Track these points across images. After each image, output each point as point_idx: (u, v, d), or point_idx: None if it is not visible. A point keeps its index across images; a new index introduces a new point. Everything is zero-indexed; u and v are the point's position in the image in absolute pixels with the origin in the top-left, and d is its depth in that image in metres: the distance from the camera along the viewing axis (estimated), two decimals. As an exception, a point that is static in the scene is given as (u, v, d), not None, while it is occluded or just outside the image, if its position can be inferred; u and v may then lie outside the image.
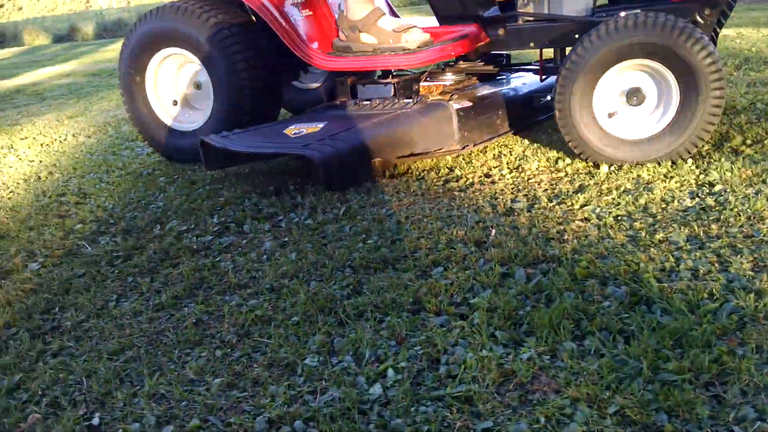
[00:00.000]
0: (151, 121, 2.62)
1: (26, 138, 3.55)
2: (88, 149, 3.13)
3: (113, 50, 8.00)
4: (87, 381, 1.23)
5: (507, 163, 2.18)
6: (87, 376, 1.24)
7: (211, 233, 1.89)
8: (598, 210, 1.70)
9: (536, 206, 1.79)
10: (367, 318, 1.34)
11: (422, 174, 2.19)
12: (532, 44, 2.27)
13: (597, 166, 2.03)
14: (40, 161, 3.00)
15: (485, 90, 2.44)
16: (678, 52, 1.87)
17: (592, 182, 1.92)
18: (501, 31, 2.30)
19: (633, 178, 1.90)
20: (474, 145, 2.25)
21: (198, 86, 2.57)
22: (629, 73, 1.99)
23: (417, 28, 2.35)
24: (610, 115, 2.01)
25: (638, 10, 2.00)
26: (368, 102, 2.38)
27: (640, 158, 1.98)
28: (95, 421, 1.11)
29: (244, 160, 2.33)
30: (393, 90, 2.37)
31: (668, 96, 1.95)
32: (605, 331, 1.18)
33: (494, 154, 2.30)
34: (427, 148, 2.18)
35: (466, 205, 1.87)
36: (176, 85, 2.61)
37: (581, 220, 1.66)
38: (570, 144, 2.06)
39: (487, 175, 2.11)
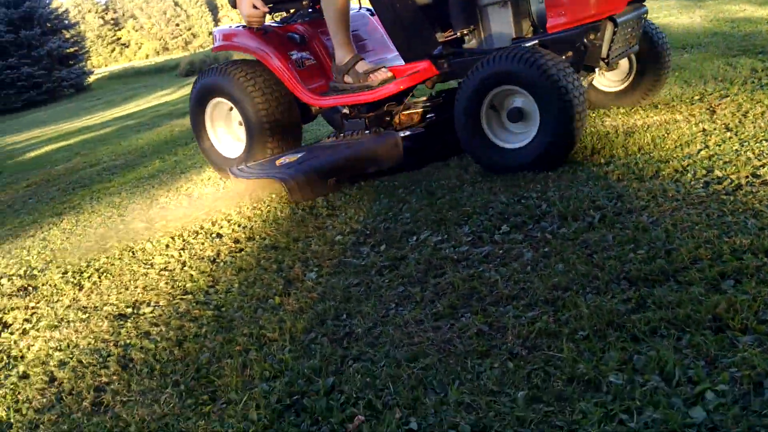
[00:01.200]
0: (209, 150, 3.38)
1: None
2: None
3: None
4: (393, 386, 1.32)
5: (776, 161, 1.99)
6: (392, 381, 1.34)
7: (465, 243, 1.95)
8: None
9: (831, 210, 1.61)
10: (662, 335, 1.29)
11: (676, 176, 2.08)
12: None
13: None
14: (284, 176, 3.30)
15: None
16: (525, 80, 2.30)
17: None
18: (446, 65, 2.77)
19: None
20: (426, 163, 2.81)
21: (241, 123, 3.19)
22: (512, 95, 2.41)
23: (384, 69, 2.84)
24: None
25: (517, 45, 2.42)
26: (342, 134, 3.02)
27: (520, 166, 2.39)
28: (413, 425, 1.20)
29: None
30: (365, 123, 2.96)
31: (535, 113, 2.35)
32: None
33: (756, 151, 2.11)
34: (379, 167, 2.77)
35: (740, 210, 1.73)
36: (228, 120, 3.34)
37: None
38: (465, 151, 2.62)
39: (755, 175, 1.94)
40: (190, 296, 2.02)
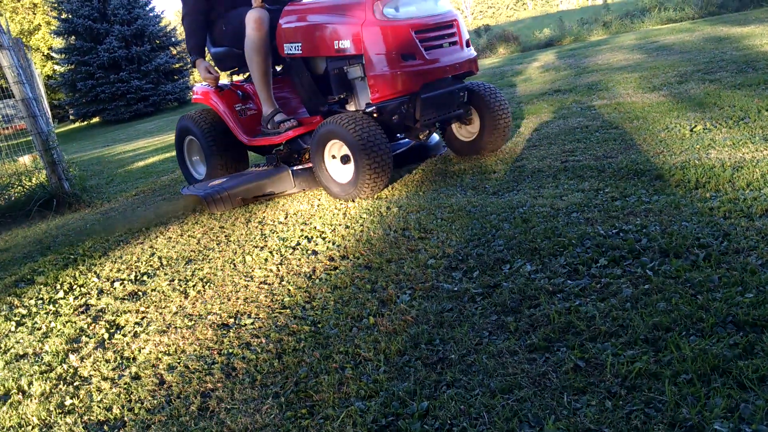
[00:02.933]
0: (187, 172, 4.60)
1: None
2: (415, 185, 3.45)
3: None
4: (488, 416, 1.34)
5: None
6: (487, 411, 1.36)
7: (561, 275, 1.93)
8: None
9: None
10: (773, 384, 1.24)
11: (789, 217, 1.98)
12: None
13: None
14: (376, 197, 3.38)
15: None
16: (342, 136, 3.24)
17: None
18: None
19: None
20: (306, 190, 3.79)
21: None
22: (343, 145, 3.32)
23: (293, 120, 3.79)
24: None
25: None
26: (259, 166, 4.08)
27: (347, 196, 3.35)
28: (508, 457, 1.21)
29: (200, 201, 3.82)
30: (276, 158, 3.94)
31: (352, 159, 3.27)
32: None
33: None
34: (273, 191, 3.76)
35: None
36: (197, 152, 4.48)
37: None
38: (321, 186, 3.55)
39: None
40: (288, 311, 2.11)
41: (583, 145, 3.61)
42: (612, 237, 2.10)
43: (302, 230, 2.99)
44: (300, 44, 3.56)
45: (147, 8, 22.90)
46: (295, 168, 3.76)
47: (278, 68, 4.18)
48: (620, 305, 1.67)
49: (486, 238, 2.37)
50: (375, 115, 3.36)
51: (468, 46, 3.49)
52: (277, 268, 2.54)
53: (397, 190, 3.41)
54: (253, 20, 3.60)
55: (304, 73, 3.68)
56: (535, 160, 3.47)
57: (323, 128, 3.35)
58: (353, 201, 3.31)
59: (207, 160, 4.22)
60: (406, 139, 3.93)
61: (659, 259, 1.88)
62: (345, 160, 3.34)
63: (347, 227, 2.91)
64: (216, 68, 4.08)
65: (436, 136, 4.06)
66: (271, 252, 2.75)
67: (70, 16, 21.94)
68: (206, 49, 4.08)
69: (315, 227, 3.00)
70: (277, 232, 3.05)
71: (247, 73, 4.27)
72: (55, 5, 22.88)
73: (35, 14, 35.98)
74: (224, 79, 4.42)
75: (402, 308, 1.94)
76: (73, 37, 22.29)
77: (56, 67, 25.13)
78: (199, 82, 4.65)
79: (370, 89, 3.30)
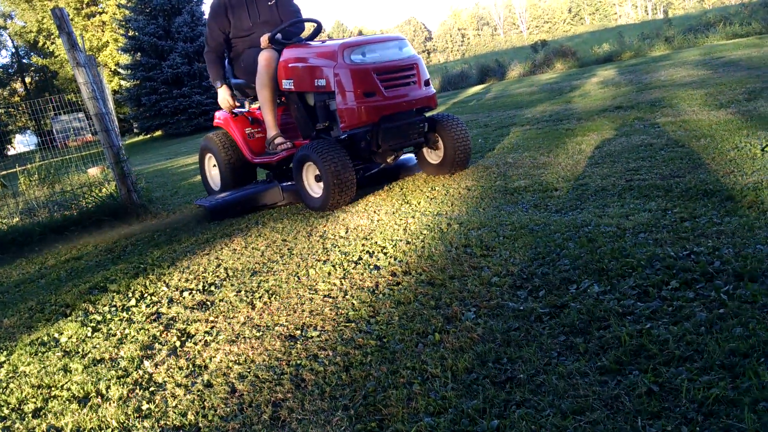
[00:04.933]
0: (207, 184, 5.32)
1: (416, 191, 4.07)
2: (475, 202, 3.46)
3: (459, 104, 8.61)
4: (559, 437, 1.34)
5: None
6: (558, 432, 1.35)
7: (630, 297, 1.91)
8: None
9: None
10: None
11: None
12: None
13: None
14: (436, 213, 3.40)
15: None
16: (314, 160, 3.87)
17: None
18: None
19: None
20: (293, 202, 4.47)
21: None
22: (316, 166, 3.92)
23: (288, 143, 4.41)
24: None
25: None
26: (257, 181, 4.96)
27: (320, 208, 3.96)
28: (583, 480, 1.20)
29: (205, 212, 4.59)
30: (270, 175, 4.81)
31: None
32: None
33: None
34: (266, 203, 4.46)
35: None
36: (215, 167, 5.14)
37: None
38: (301, 199, 4.27)
39: None
40: (353, 324, 2.14)
41: (648, 163, 3.55)
42: (683, 259, 2.06)
43: (363, 245, 3.03)
44: (292, 80, 4.24)
45: (209, 25, 23.62)
46: (283, 184, 4.50)
47: (284, 99, 4.75)
48: (694, 329, 1.64)
49: (551, 257, 2.36)
50: (347, 140, 4.04)
51: (427, 85, 4.05)
52: (341, 281, 2.59)
53: (457, 207, 3.42)
54: (263, 59, 4.28)
55: (297, 104, 4.36)
56: (599, 178, 3.43)
57: (300, 152, 4.02)
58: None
59: (221, 174, 4.94)
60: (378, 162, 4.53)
61: (734, 283, 1.84)
62: (318, 178, 4.00)
63: (408, 243, 2.93)
64: (235, 96, 4.79)
65: (414, 158, 4.66)
66: (333, 266, 2.80)
67: (136, 34, 22.86)
68: (229, 80, 4.76)
69: (376, 242, 3.04)
70: (339, 246, 3.10)
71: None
72: (123, 23, 23.87)
73: (104, 32, 37.61)
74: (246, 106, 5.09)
75: (467, 326, 1.94)
76: (138, 53, 23.20)
77: (122, 83, 26.15)
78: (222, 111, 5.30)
79: (339, 119, 3.90)
